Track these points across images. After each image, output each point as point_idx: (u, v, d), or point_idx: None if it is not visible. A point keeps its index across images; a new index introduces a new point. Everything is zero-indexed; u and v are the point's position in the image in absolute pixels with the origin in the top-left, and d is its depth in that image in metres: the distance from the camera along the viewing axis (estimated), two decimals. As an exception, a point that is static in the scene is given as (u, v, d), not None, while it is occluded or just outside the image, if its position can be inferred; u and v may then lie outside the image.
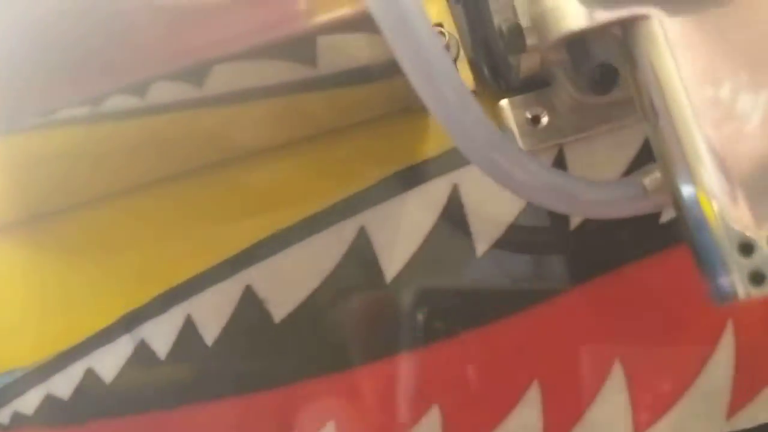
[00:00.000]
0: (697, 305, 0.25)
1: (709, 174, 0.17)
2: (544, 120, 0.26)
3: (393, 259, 0.26)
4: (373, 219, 0.26)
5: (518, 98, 0.26)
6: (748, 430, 0.25)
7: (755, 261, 0.17)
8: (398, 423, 0.26)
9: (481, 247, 0.26)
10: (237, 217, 0.27)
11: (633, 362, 0.25)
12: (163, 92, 0.21)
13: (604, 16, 0.18)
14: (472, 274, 0.26)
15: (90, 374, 0.27)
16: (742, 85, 0.18)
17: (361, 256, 0.26)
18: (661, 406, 0.25)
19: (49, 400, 0.27)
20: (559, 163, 0.26)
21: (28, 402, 0.27)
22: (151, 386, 0.27)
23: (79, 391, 0.27)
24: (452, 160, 0.26)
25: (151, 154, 0.25)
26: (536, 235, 0.26)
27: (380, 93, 0.25)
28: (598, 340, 0.26)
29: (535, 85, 0.26)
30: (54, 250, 0.27)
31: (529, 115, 0.26)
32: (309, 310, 0.26)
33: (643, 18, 0.18)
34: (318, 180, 0.27)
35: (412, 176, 0.27)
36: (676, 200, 0.18)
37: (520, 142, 0.26)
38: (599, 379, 0.25)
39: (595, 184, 0.20)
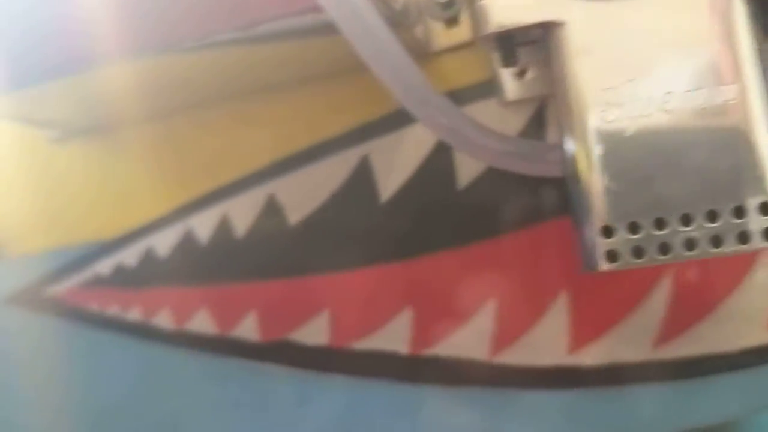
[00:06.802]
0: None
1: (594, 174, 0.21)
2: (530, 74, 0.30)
3: (389, 184, 0.31)
4: (375, 149, 0.31)
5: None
6: (669, 359, 0.29)
7: (612, 242, 0.21)
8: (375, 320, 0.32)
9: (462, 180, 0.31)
10: (264, 139, 0.33)
11: (576, 292, 0.30)
12: None
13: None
14: (453, 202, 0.31)
15: (150, 250, 0.34)
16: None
17: (362, 179, 0.32)
18: (596, 331, 0.30)
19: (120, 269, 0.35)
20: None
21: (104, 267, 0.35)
22: (197, 263, 0.34)
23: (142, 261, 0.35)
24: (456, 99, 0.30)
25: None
26: None
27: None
28: (548, 272, 0.30)
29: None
30: (126, 151, 0.34)
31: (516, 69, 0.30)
32: (317, 218, 0.32)
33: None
34: (329, 112, 0.32)
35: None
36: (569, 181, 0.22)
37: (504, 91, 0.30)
38: (546, 303, 0.30)
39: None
